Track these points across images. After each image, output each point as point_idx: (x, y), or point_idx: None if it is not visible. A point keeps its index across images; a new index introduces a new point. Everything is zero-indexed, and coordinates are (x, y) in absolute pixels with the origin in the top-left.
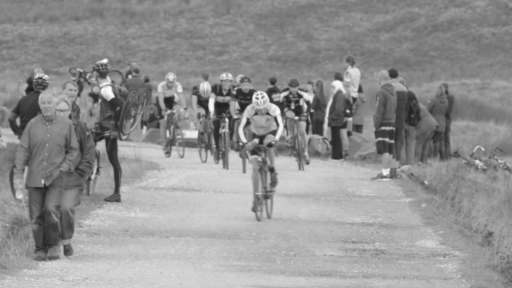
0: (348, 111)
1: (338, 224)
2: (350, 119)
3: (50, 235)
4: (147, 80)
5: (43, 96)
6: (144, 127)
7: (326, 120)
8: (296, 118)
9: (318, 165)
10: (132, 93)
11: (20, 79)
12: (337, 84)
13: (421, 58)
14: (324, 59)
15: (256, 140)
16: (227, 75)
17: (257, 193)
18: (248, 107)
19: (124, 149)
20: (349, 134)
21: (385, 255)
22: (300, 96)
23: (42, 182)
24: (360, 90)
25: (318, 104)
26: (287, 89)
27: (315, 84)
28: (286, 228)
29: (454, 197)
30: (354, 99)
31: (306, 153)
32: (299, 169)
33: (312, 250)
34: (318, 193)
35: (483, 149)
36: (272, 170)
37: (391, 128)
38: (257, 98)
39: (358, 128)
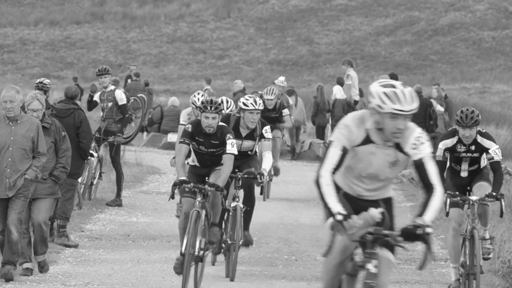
0: None
1: None
2: None
3: (10, 253)
4: (147, 84)
5: (5, 94)
6: (145, 132)
7: (329, 126)
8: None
9: None
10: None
11: (21, 83)
12: (335, 89)
13: (421, 62)
14: (324, 63)
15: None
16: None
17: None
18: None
19: (125, 153)
20: None
21: None
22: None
23: (6, 193)
24: (361, 94)
25: (319, 108)
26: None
27: (316, 89)
28: (288, 233)
29: None
30: (356, 101)
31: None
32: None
33: (314, 254)
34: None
35: None
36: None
37: None
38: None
39: None
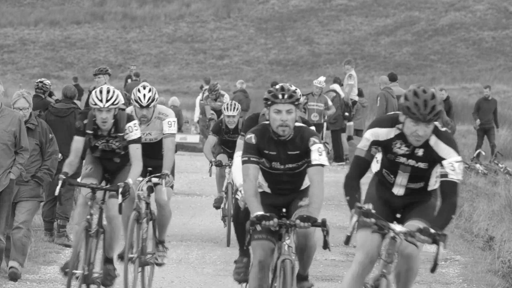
0: (347, 114)
1: (339, 229)
2: (351, 123)
3: None
4: None
5: None
6: None
7: (325, 124)
8: None
9: None
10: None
11: (21, 83)
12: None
13: (421, 62)
14: (324, 63)
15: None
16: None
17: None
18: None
19: None
20: (350, 138)
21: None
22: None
23: None
24: (361, 94)
25: None
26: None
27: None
28: None
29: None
30: (355, 102)
31: None
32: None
33: (314, 254)
34: None
35: (483, 153)
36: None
37: None
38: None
39: (358, 132)
